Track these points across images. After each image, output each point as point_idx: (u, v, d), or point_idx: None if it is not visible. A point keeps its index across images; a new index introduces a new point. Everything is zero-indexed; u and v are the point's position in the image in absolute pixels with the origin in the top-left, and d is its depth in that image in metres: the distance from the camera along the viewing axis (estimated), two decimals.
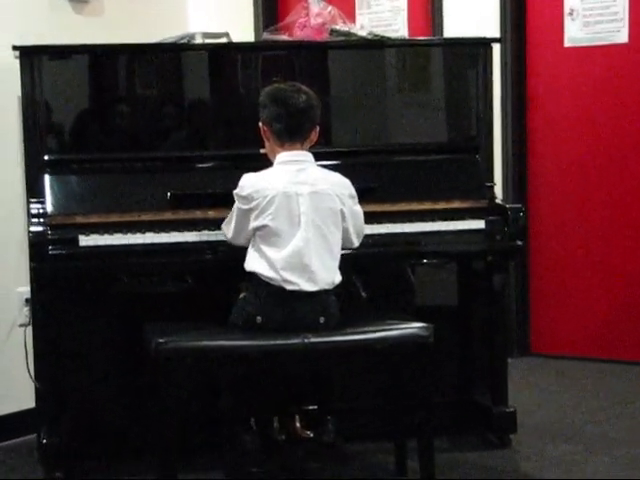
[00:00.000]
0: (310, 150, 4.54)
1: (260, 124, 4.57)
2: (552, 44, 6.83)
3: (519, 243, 5.01)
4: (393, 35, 5.85)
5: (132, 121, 5.23)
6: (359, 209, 4.56)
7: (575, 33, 6.75)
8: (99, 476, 4.82)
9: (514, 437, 5.19)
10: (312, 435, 4.76)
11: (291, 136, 4.50)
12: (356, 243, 4.58)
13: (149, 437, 4.59)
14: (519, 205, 5.22)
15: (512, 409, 5.19)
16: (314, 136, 4.57)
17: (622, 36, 6.62)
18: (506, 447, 5.14)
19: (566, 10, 6.75)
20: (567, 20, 6.76)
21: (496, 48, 5.77)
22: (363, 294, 4.85)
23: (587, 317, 6.86)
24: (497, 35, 6.41)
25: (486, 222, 4.96)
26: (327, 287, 4.41)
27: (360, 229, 4.58)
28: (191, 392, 4.46)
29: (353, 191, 4.53)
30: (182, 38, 5.28)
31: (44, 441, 4.86)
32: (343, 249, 4.51)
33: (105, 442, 4.97)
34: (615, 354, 6.72)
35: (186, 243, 4.71)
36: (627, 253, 6.72)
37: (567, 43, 6.79)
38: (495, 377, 5.23)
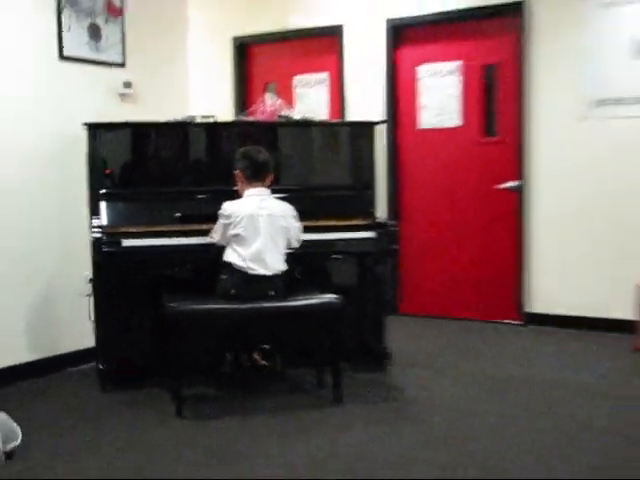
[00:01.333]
0: (267, 188, 4.57)
1: (235, 171, 4.59)
2: (411, 126, 6.80)
3: (393, 246, 5.04)
4: (317, 118, 5.78)
5: (156, 168, 5.16)
6: (299, 224, 4.59)
7: (426, 120, 6.73)
8: (135, 390, 4.74)
9: (388, 364, 5.17)
10: (267, 364, 4.82)
11: (255, 179, 4.53)
12: (297, 245, 4.60)
13: (166, 365, 4.54)
14: (394, 222, 5.27)
15: (388, 347, 5.20)
16: (270, 180, 4.60)
17: (454, 122, 6.61)
18: (384, 371, 5.11)
19: (420, 105, 6.71)
20: (421, 111, 6.72)
21: (380, 128, 5.78)
22: (299, 277, 4.78)
23: (436, 290, 6.85)
24: (381, 119, 6.33)
25: (374, 233, 4.94)
26: (277, 272, 4.43)
27: (299, 236, 4.60)
28: (191, 338, 4.46)
29: (295, 213, 4.57)
30: (187, 118, 5.24)
31: (100, 367, 4.88)
32: (289, 249, 4.55)
33: (138, 369, 4.92)
34: (456, 314, 6.71)
35: (189, 245, 4.69)
36: (460, 247, 6.73)
37: (420, 126, 6.76)
38: (378, 327, 5.21)
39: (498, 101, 6.51)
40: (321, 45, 7.15)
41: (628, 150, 5.92)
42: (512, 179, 6.40)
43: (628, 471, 3.49)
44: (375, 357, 5.16)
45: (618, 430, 3.98)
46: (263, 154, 4.56)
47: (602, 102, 5.96)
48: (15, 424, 3.88)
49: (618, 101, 5.91)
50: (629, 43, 5.83)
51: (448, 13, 6.51)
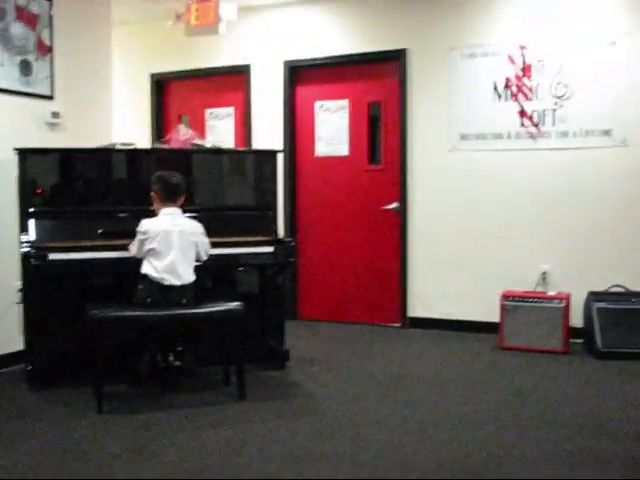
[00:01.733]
0: (180, 207, 4.53)
1: (152, 193, 4.54)
2: (309, 154, 6.85)
3: (291, 259, 5.04)
4: (226, 146, 5.77)
5: (81, 190, 4.99)
6: (207, 240, 4.55)
7: (321, 149, 6.79)
8: (61, 389, 4.61)
9: (288, 364, 5.16)
10: (179, 364, 4.72)
11: (169, 199, 4.50)
12: (205, 258, 4.55)
13: (88, 366, 4.40)
14: (291, 239, 5.28)
15: (287, 348, 5.19)
16: (182, 200, 4.56)
17: (345, 151, 6.69)
18: (284, 368, 5.11)
19: (316, 136, 6.78)
20: (317, 142, 6.78)
21: (281, 155, 5.79)
22: (209, 286, 4.72)
23: (329, 298, 6.88)
24: (280, 148, 6.37)
25: (273, 248, 4.95)
26: (187, 283, 4.40)
27: (207, 250, 4.56)
28: (111, 341, 4.34)
29: (203, 229, 4.54)
30: (109, 145, 5.16)
31: (29, 368, 4.76)
32: (198, 261, 4.51)
33: (64, 370, 4.75)
34: (347, 318, 6.75)
35: (110, 258, 4.59)
36: (350, 260, 6.77)
37: (317, 154, 6.81)
38: (278, 331, 5.19)
39: (382, 134, 6.60)
40: (230, 82, 7.14)
41: (488, 176, 6.12)
42: (394, 201, 6.48)
43: (499, 448, 3.56)
44: (276, 357, 5.13)
45: (487, 414, 4.06)
46: (176, 177, 4.52)
47: (467, 137, 6.14)
48: None
49: (480, 136, 6.10)
50: (490, 88, 6.04)
51: (339, 57, 6.60)
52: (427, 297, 6.42)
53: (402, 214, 6.44)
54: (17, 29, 5.23)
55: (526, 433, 3.78)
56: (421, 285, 6.44)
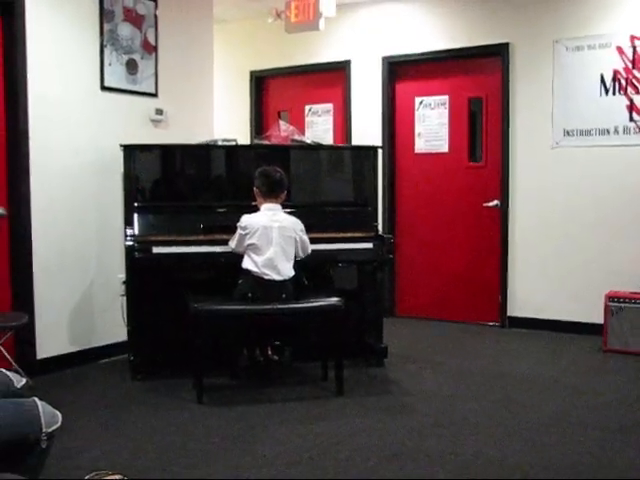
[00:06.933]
0: (280, 204, 4.57)
1: (254, 188, 4.58)
2: (408, 151, 6.81)
3: (390, 256, 5.03)
4: (325, 142, 5.81)
5: (182, 185, 5.11)
6: (306, 237, 4.57)
7: (420, 145, 6.74)
8: (162, 379, 4.73)
9: (386, 360, 5.14)
10: (277, 358, 4.80)
11: (270, 195, 4.53)
12: (302, 256, 4.56)
13: (189, 358, 4.47)
14: (390, 235, 5.21)
15: (385, 345, 5.16)
16: (283, 196, 4.59)
17: (444, 148, 6.63)
18: (381, 366, 5.09)
19: (416, 132, 6.73)
20: (417, 138, 6.73)
21: (380, 152, 5.74)
22: (306, 282, 4.79)
23: (427, 295, 6.84)
24: (380, 144, 6.35)
25: (373, 244, 4.94)
26: (287, 278, 4.43)
27: (306, 248, 4.58)
28: (212, 334, 4.42)
29: (302, 227, 4.56)
30: (211, 141, 5.27)
31: (131, 359, 4.85)
32: (296, 258, 4.53)
33: (165, 360, 4.87)
34: (445, 316, 6.69)
35: (211, 252, 4.67)
36: (448, 257, 6.71)
37: (416, 151, 6.77)
38: (377, 327, 5.17)
39: (483, 130, 6.52)
40: (329, 79, 7.18)
41: (593, 174, 5.94)
42: (495, 198, 6.38)
43: (605, 452, 3.46)
44: (374, 354, 5.12)
45: (591, 418, 3.96)
46: (278, 174, 4.54)
47: (571, 133, 5.98)
48: (54, 409, 3.87)
49: (585, 132, 5.94)
50: (596, 82, 5.87)
51: (439, 52, 6.55)
52: (527, 296, 6.29)
53: (503, 212, 6.34)
54: (124, 30, 5.39)
55: (632, 440, 3.66)
56: (522, 284, 6.32)
